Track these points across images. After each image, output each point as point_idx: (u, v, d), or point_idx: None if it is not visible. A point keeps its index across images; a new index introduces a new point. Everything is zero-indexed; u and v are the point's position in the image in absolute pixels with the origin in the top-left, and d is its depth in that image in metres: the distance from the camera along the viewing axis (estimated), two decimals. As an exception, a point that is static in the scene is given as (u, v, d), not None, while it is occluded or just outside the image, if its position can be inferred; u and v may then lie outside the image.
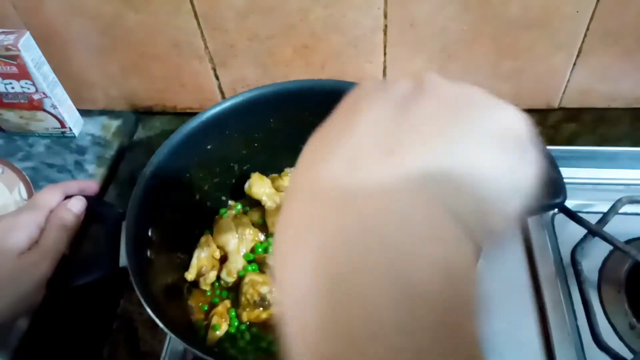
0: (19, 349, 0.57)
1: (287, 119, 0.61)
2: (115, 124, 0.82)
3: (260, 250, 0.60)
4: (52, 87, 0.73)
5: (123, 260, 0.48)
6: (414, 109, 0.25)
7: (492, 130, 0.24)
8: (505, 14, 0.64)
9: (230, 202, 0.66)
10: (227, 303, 0.57)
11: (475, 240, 0.24)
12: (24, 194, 0.68)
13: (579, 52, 0.68)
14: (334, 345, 0.20)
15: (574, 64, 0.69)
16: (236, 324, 0.56)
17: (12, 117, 0.77)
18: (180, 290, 0.59)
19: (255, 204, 0.64)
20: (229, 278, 0.58)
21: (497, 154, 0.24)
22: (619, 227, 0.60)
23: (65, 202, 0.52)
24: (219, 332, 0.54)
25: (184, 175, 0.59)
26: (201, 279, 0.58)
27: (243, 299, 0.55)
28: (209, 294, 0.59)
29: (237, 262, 0.59)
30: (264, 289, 0.55)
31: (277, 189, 0.63)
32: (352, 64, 0.72)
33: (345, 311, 0.20)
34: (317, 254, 0.22)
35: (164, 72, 0.77)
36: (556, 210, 0.65)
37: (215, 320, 0.55)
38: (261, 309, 0.55)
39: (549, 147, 0.49)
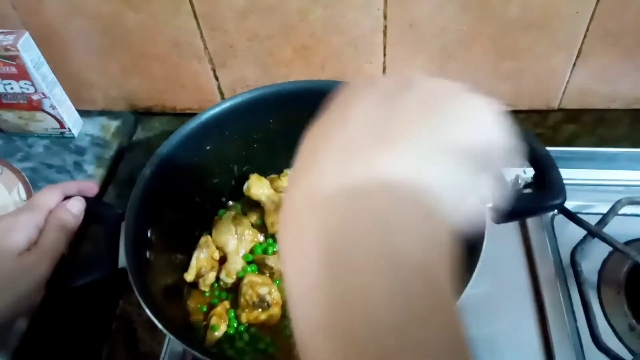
0: (18, 349, 0.56)
1: (287, 120, 0.61)
2: (114, 124, 0.82)
3: (259, 251, 0.60)
4: (51, 87, 0.73)
5: (122, 261, 0.47)
6: (399, 105, 0.27)
7: (457, 140, 0.27)
8: (505, 14, 0.64)
9: (230, 203, 0.66)
10: (226, 304, 0.57)
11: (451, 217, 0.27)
12: (23, 195, 0.68)
13: (579, 52, 0.68)
14: (339, 310, 0.23)
15: (574, 65, 0.69)
16: (235, 324, 0.55)
17: (11, 117, 0.77)
18: (180, 291, 0.59)
19: (254, 204, 0.64)
20: (228, 279, 0.58)
21: (453, 166, 0.27)
22: (618, 228, 0.60)
23: (65, 203, 0.52)
24: (218, 333, 0.54)
25: (184, 176, 0.59)
26: (200, 280, 0.58)
27: (242, 300, 0.55)
28: (207, 294, 0.59)
29: (236, 263, 0.59)
30: (263, 290, 0.55)
31: (276, 190, 0.63)
32: (352, 64, 0.72)
33: (346, 281, 0.23)
34: (319, 238, 0.24)
35: (164, 72, 0.77)
36: (556, 211, 0.65)
37: (214, 321, 0.55)
38: (260, 310, 0.55)
39: (548, 148, 0.49)
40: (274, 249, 0.60)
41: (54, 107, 0.75)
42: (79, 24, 0.72)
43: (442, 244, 0.25)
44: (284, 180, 0.64)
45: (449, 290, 0.24)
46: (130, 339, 0.62)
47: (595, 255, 0.62)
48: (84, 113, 0.81)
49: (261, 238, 0.62)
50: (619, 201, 0.63)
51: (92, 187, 0.56)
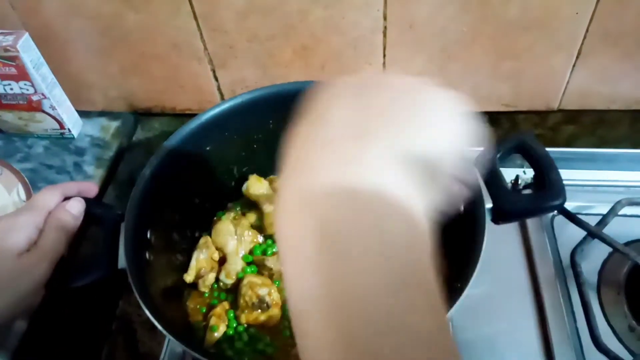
0: (18, 350, 0.56)
1: (287, 121, 0.61)
2: (114, 125, 0.82)
3: (258, 252, 0.60)
4: (51, 88, 0.73)
5: (122, 262, 0.47)
6: (373, 105, 0.30)
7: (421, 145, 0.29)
8: (505, 14, 0.64)
9: (229, 204, 0.66)
10: (226, 304, 0.57)
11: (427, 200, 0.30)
12: (23, 195, 0.68)
13: (579, 53, 0.68)
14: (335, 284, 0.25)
15: (574, 66, 0.69)
16: (234, 325, 0.55)
17: (11, 118, 0.77)
18: (179, 292, 0.59)
19: (253, 205, 0.64)
20: (228, 280, 0.58)
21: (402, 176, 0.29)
22: (618, 229, 0.60)
23: (64, 204, 0.52)
24: (217, 334, 0.54)
25: (183, 176, 0.59)
26: (200, 281, 0.58)
27: (242, 301, 0.55)
28: (207, 295, 0.59)
29: (236, 264, 0.59)
30: (262, 291, 0.55)
31: (276, 191, 0.63)
32: (351, 65, 0.72)
33: (340, 269, 0.25)
34: (314, 232, 0.26)
35: (164, 73, 0.77)
36: (555, 212, 0.65)
37: (213, 321, 0.55)
38: (259, 310, 0.55)
39: (548, 149, 0.49)
40: (273, 250, 0.60)
41: (53, 108, 0.74)
42: (78, 25, 0.72)
43: (424, 238, 0.28)
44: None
45: (434, 280, 0.27)
46: (130, 339, 0.62)
47: (595, 256, 0.62)
48: (83, 114, 0.81)
49: (260, 239, 0.61)
50: (618, 202, 0.63)
51: (91, 188, 0.56)
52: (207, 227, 0.63)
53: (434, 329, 0.25)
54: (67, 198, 0.53)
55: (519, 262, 0.63)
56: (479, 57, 0.70)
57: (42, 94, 0.72)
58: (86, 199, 0.53)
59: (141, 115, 0.84)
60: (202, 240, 0.60)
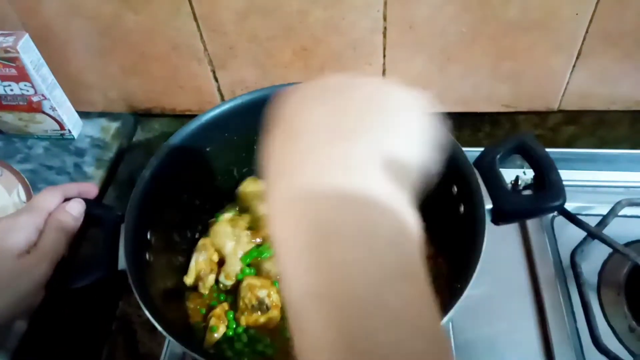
0: (18, 351, 0.56)
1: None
2: (114, 126, 0.82)
3: (254, 254, 0.60)
4: (51, 89, 0.73)
5: (122, 263, 0.47)
6: (342, 105, 0.31)
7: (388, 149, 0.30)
8: (505, 15, 0.64)
9: (228, 204, 0.66)
10: (225, 305, 0.57)
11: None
12: (23, 196, 0.68)
13: (579, 54, 0.68)
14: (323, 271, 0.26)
15: (574, 66, 0.69)
16: (234, 326, 0.55)
17: (11, 119, 0.77)
18: (179, 293, 0.59)
19: (248, 208, 0.64)
20: (228, 281, 0.58)
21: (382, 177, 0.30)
22: (618, 230, 0.60)
23: (64, 205, 0.52)
24: (217, 334, 0.54)
25: (183, 177, 0.59)
26: (200, 283, 0.58)
27: (241, 303, 0.55)
28: (206, 296, 0.59)
29: (234, 265, 0.58)
30: (261, 293, 0.55)
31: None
32: (351, 66, 0.72)
33: (333, 259, 0.26)
34: (308, 227, 0.27)
35: (163, 73, 0.77)
36: (556, 212, 0.65)
37: (213, 322, 0.55)
38: (259, 312, 0.55)
39: (548, 150, 0.49)
40: (269, 254, 0.60)
41: (53, 109, 0.75)
42: (78, 25, 0.72)
43: (412, 232, 0.29)
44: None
45: (424, 272, 0.28)
46: (130, 340, 0.62)
47: (595, 257, 0.62)
48: (83, 114, 0.81)
49: (258, 240, 0.61)
50: (618, 202, 0.63)
51: (91, 189, 0.56)
52: (207, 228, 0.63)
53: (428, 320, 0.26)
54: (67, 199, 0.53)
55: (519, 263, 0.63)
56: (479, 58, 0.70)
57: (42, 95, 0.73)
58: (86, 200, 0.53)
59: (141, 116, 0.84)
60: (200, 243, 0.60)
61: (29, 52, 0.69)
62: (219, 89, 0.78)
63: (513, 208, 0.47)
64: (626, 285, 0.59)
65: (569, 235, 0.63)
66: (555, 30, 0.65)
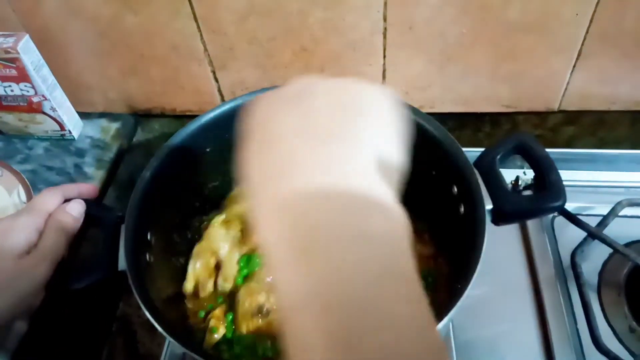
0: (18, 351, 0.56)
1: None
2: (114, 126, 0.82)
3: (249, 259, 0.59)
4: (51, 89, 0.73)
5: (122, 264, 0.47)
6: (316, 107, 0.31)
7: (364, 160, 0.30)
8: (505, 16, 0.64)
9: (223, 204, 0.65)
10: (224, 306, 0.57)
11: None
12: (23, 197, 0.68)
13: (579, 54, 0.68)
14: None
15: (574, 67, 0.69)
16: (232, 328, 0.55)
17: (11, 119, 0.77)
18: (179, 294, 0.59)
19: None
20: (226, 284, 0.57)
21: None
22: (618, 230, 0.60)
23: (64, 206, 0.52)
24: (217, 335, 0.54)
25: (183, 178, 0.59)
26: (200, 288, 0.58)
27: (240, 309, 0.55)
28: (204, 299, 0.58)
29: (232, 268, 0.58)
30: (261, 298, 0.54)
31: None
32: (351, 66, 0.72)
33: (322, 260, 0.26)
34: (296, 230, 0.27)
35: (163, 74, 0.77)
36: (556, 213, 0.65)
37: (212, 323, 0.55)
38: (259, 317, 0.54)
39: (548, 150, 0.49)
40: (256, 265, 0.59)
41: (54, 110, 0.75)
42: (78, 26, 0.72)
43: (402, 229, 0.29)
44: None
45: (414, 271, 0.27)
46: (130, 340, 0.62)
47: (596, 257, 0.62)
48: (83, 115, 0.81)
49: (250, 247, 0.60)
50: (619, 203, 0.63)
51: (92, 190, 0.56)
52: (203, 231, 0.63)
53: (421, 320, 0.26)
54: (67, 200, 0.53)
55: (519, 263, 0.63)
56: (479, 59, 0.70)
57: (43, 96, 0.73)
58: (86, 201, 0.54)
59: (141, 116, 0.84)
60: (195, 250, 0.59)
61: (29, 53, 0.69)
62: (219, 90, 0.78)
63: (513, 208, 0.47)
64: (626, 285, 0.59)
65: (569, 235, 0.63)
66: (555, 31, 0.65)
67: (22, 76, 0.70)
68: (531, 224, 0.66)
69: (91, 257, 0.50)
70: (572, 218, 0.61)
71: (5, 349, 0.55)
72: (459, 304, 0.41)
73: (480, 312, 0.58)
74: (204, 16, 0.68)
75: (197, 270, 0.58)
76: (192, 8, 0.67)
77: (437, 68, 0.71)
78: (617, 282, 0.59)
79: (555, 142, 0.75)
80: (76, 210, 0.52)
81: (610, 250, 0.60)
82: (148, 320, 0.43)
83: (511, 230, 0.65)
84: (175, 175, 0.57)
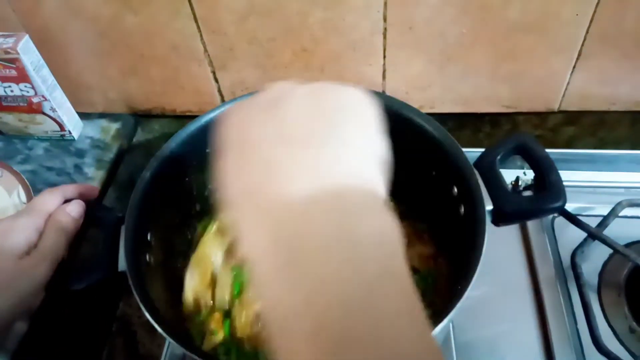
0: (18, 351, 0.56)
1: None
2: (114, 126, 0.82)
3: (242, 270, 0.58)
4: (51, 90, 0.73)
5: (122, 264, 0.47)
6: (292, 112, 0.30)
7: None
8: (505, 17, 0.64)
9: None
10: (222, 311, 0.56)
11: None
12: (23, 197, 0.68)
13: (579, 55, 0.68)
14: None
15: (574, 67, 0.69)
16: (229, 333, 0.55)
17: (11, 120, 0.77)
18: (179, 294, 0.58)
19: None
20: (224, 292, 0.57)
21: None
22: (618, 231, 0.60)
23: (64, 206, 0.52)
24: (217, 338, 0.54)
25: (184, 179, 0.59)
26: (200, 303, 0.57)
27: (238, 321, 0.54)
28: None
29: (227, 276, 0.58)
30: (257, 306, 0.54)
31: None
32: (351, 66, 0.72)
33: (311, 270, 0.25)
34: (281, 236, 0.27)
35: (163, 75, 0.77)
36: (556, 213, 0.65)
37: (213, 325, 0.54)
38: (258, 326, 0.53)
39: (548, 150, 0.49)
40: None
41: (54, 110, 0.75)
42: (78, 26, 0.72)
43: (395, 230, 0.28)
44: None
45: (408, 274, 0.27)
46: (130, 341, 0.62)
47: (596, 258, 0.62)
48: (83, 115, 0.81)
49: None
50: (619, 203, 0.62)
51: (92, 190, 0.56)
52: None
53: (415, 322, 0.25)
54: (67, 200, 0.53)
55: (519, 264, 0.63)
56: (479, 59, 0.70)
57: (43, 96, 0.73)
58: (86, 201, 0.53)
59: (141, 117, 0.84)
60: (192, 260, 0.59)
61: (29, 53, 0.69)
62: (219, 90, 0.78)
63: (513, 209, 0.47)
64: (626, 286, 0.59)
65: (570, 236, 0.63)
66: (556, 31, 0.65)
67: (22, 76, 0.70)
68: (531, 224, 0.65)
69: (91, 258, 0.50)
70: (572, 218, 0.61)
71: (5, 349, 0.55)
72: (459, 304, 0.41)
73: (480, 313, 0.58)
74: (204, 16, 0.68)
75: (194, 281, 0.57)
76: (192, 8, 0.67)
77: (437, 68, 0.71)
78: (617, 283, 0.59)
79: (556, 142, 0.75)
80: (76, 210, 0.52)
81: (610, 251, 0.60)
82: (148, 320, 0.43)
83: (511, 231, 0.65)
84: (175, 176, 0.56)
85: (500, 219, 0.47)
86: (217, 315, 0.55)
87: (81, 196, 0.54)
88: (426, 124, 0.52)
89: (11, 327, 0.52)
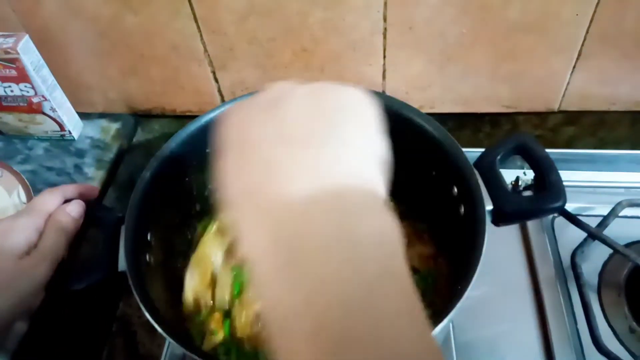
0: (18, 352, 0.56)
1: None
2: (114, 126, 0.82)
3: (241, 270, 0.58)
4: (51, 90, 0.73)
5: (122, 264, 0.47)
6: (292, 112, 0.30)
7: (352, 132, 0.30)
8: (505, 17, 0.64)
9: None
10: (222, 311, 0.56)
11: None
12: (23, 197, 0.68)
13: (579, 55, 0.68)
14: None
15: (574, 67, 0.69)
16: (228, 333, 0.55)
17: (11, 120, 0.77)
18: (179, 294, 0.58)
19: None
20: (224, 292, 0.57)
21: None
22: (618, 231, 0.60)
23: (64, 206, 0.52)
24: (217, 338, 0.54)
25: (184, 179, 0.59)
26: (200, 299, 0.57)
27: (238, 324, 0.54)
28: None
29: (227, 276, 0.58)
30: (257, 306, 0.54)
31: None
32: (351, 66, 0.72)
33: (311, 271, 0.25)
34: (281, 237, 0.26)
35: (163, 75, 0.77)
36: (556, 213, 0.65)
37: (213, 325, 0.54)
38: (258, 326, 0.53)
39: (548, 150, 0.49)
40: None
41: (54, 110, 0.75)
42: (78, 26, 0.72)
43: (395, 230, 0.27)
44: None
45: (408, 274, 0.26)
46: (130, 341, 0.62)
47: (596, 258, 0.62)
48: (83, 115, 0.81)
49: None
50: (619, 203, 0.62)
51: (92, 190, 0.56)
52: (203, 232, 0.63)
53: (415, 321, 0.25)
54: (67, 200, 0.53)
55: (519, 264, 0.63)
56: (479, 59, 0.70)
57: (43, 96, 0.73)
58: (86, 201, 0.53)
59: (141, 117, 0.84)
60: (192, 260, 0.59)
61: (29, 53, 0.69)
62: (219, 90, 0.78)
63: (513, 209, 0.47)
64: (626, 286, 0.59)
65: (570, 236, 0.63)
66: (555, 32, 0.65)
67: (22, 76, 0.70)
68: (531, 224, 0.65)
69: (91, 258, 0.50)
70: (572, 218, 0.61)
71: (5, 349, 0.55)
72: (459, 304, 0.41)
73: (480, 313, 0.58)
74: (204, 16, 0.68)
75: (193, 281, 0.57)
76: (192, 8, 0.67)
77: (437, 68, 0.71)
78: (617, 283, 0.59)
79: (555, 142, 0.75)
80: (76, 210, 0.52)
81: (610, 251, 0.60)
82: (148, 320, 0.43)
83: (511, 231, 0.65)
84: (175, 176, 0.56)
85: (500, 219, 0.47)
86: (217, 315, 0.55)
87: (81, 196, 0.54)
88: (426, 124, 0.52)
89: (11, 327, 0.52)
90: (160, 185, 0.54)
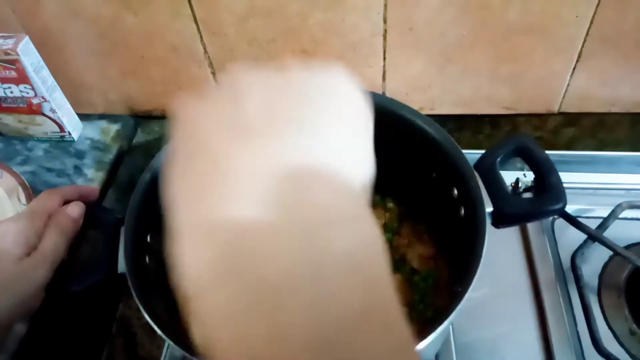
0: (17, 353, 0.56)
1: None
2: (114, 128, 0.82)
3: None
4: (51, 91, 0.73)
5: (122, 266, 0.47)
6: (245, 104, 0.24)
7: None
8: (505, 18, 0.64)
9: None
10: None
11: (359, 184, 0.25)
12: (23, 199, 0.68)
13: (579, 56, 0.68)
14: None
15: (574, 69, 0.69)
16: None
17: (11, 121, 0.77)
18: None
19: None
20: None
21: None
22: (619, 232, 0.60)
23: (64, 208, 0.52)
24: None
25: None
26: None
27: None
28: None
29: None
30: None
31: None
32: (351, 68, 0.72)
33: (267, 298, 0.20)
34: (228, 254, 0.21)
35: (163, 76, 0.77)
36: (556, 215, 0.65)
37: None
38: None
39: (548, 152, 0.49)
40: None
41: (53, 111, 0.75)
42: (78, 28, 0.72)
43: (371, 234, 0.23)
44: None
45: (388, 282, 0.22)
46: (129, 343, 0.61)
47: (596, 259, 0.62)
48: (83, 116, 0.81)
49: None
50: (619, 205, 0.62)
51: (91, 192, 0.56)
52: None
53: (393, 321, 0.21)
54: (67, 202, 0.53)
55: (519, 266, 0.63)
56: (479, 60, 0.70)
57: (43, 97, 0.72)
58: (86, 203, 0.53)
59: (141, 118, 0.84)
60: None
61: (29, 55, 0.69)
62: (219, 91, 0.78)
63: (513, 211, 0.47)
64: (627, 288, 0.59)
65: (570, 237, 0.63)
66: (556, 33, 0.65)
67: (22, 78, 0.70)
68: (531, 226, 0.65)
69: (91, 259, 0.49)
70: (573, 220, 0.61)
71: (5, 350, 0.55)
72: (459, 307, 0.41)
73: (480, 314, 0.58)
74: (204, 17, 0.68)
75: None
76: (192, 9, 0.67)
77: (437, 69, 0.71)
78: (618, 285, 0.59)
79: (556, 144, 0.75)
80: (76, 212, 0.52)
81: (610, 253, 0.60)
82: (147, 322, 0.43)
83: (511, 233, 0.65)
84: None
85: (500, 220, 0.47)
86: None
87: (81, 197, 0.54)
88: (426, 125, 0.52)
89: (11, 328, 0.52)
90: (160, 186, 0.54)
